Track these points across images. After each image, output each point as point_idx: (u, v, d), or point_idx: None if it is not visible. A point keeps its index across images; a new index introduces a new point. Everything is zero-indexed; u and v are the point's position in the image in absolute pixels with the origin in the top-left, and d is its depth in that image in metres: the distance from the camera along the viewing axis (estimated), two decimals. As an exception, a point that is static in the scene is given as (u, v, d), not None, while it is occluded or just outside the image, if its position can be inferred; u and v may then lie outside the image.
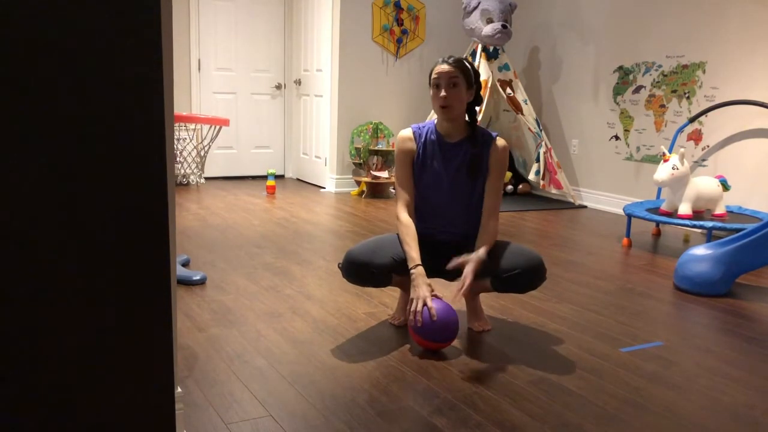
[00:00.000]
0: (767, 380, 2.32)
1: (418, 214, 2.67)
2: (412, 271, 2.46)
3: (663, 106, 5.27)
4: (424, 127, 2.66)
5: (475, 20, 5.85)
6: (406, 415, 1.99)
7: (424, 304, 2.38)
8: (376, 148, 6.23)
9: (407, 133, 2.65)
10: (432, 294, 2.42)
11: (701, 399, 2.16)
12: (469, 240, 2.62)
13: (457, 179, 2.59)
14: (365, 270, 2.49)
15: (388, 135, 6.35)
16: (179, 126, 6.42)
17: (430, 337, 2.40)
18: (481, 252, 2.47)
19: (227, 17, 6.69)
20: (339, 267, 2.59)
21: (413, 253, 2.49)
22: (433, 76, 2.55)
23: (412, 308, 2.38)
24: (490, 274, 2.54)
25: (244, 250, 3.92)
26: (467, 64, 2.58)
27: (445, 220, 2.64)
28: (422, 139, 2.63)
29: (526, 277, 2.48)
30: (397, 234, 2.61)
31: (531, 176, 6.04)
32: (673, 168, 4.11)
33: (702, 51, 4.95)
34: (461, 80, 2.53)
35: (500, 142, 2.60)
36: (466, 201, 2.62)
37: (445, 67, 2.53)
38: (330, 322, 2.77)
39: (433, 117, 6.09)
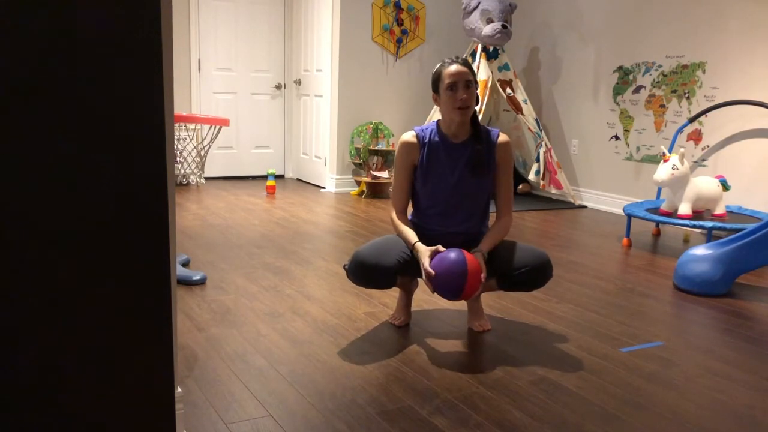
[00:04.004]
0: (767, 380, 2.33)
1: (424, 214, 2.66)
2: (413, 250, 2.52)
3: (663, 106, 5.27)
4: (426, 129, 2.65)
5: (475, 20, 5.84)
6: (406, 415, 1.99)
7: (429, 276, 2.41)
8: (376, 148, 6.23)
9: (410, 136, 2.62)
10: (434, 253, 2.44)
11: (701, 399, 2.16)
12: (476, 238, 2.63)
13: (463, 179, 2.59)
14: (373, 272, 2.48)
15: (388, 135, 6.35)
16: (179, 126, 6.42)
17: (447, 295, 2.41)
18: (483, 250, 2.50)
19: (227, 17, 6.69)
20: (344, 268, 2.58)
21: (409, 235, 2.55)
22: (448, 79, 2.50)
23: (424, 278, 2.45)
24: (496, 274, 2.54)
25: (244, 250, 3.92)
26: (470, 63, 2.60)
27: (452, 220, 2.64)
28: (426, 141, 2.61)
29: (534, 274, 2.48)
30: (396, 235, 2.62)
31: (531, 176, 6.04)
32: (673, 168, 4.11)
33: (702, 51, 4.95)
34: (473, 80, 2.53)
35: (503, 138, 2.61)
36: (473, 200, 2.62)
37: (461, 68, 2.51)
38: (330, 322, 2.77)
39: (434, 119, 6.09)
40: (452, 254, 2.39)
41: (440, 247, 2.44)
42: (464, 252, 2.40)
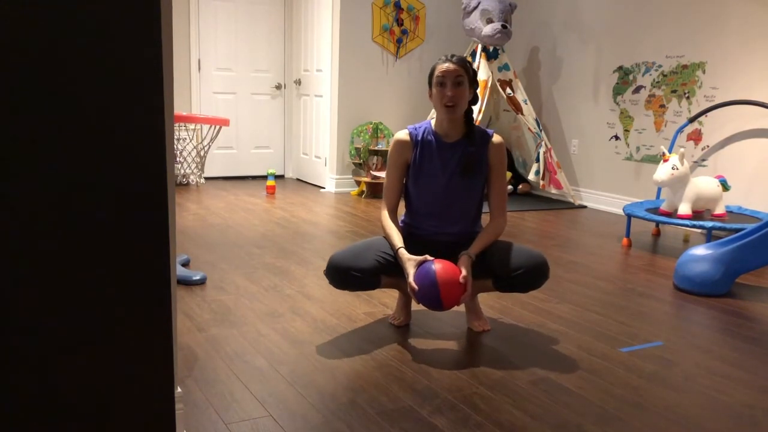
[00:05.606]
0: (767, 380, 2.33)
1: (416, 215, 2.67)
2: (396, 256, 2.52)
3: (663, 106, 5.27)
4: (420, 127, 2.65)
5: (475, 20, 5.85)
6: (406, 415, 1.99)
7: (413, 290, 2.42)
8: (375, 148, 6.23)
9: (403, 135, 2.63)
10: (417, 264, 2.44)
11: (701, 399, 2.16)
12: (468, 239, 2.62)
13: (454, 179, 2.59)
14: (347, 274, 2.49)
15: (388, 135, 6.35)
16: (179, 126, 6.41)
17: (429, 306, 2.44)
18: (470, 253, 2.49)
19: (227, 17, 6.69)
20: (324, 274, 2.58)
21: (394, 239, 2.55)
22: (437, 74, 2.52)
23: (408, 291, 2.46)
24: (492, 275, 2.54)
25: (244, 250, 3.92)
26: (468, 62, 2.58)
27: (444, 221, 2.64)
28: (419, 140, 2.61)
29: (530, 276, 2.48)
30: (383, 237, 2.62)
31: (531, 176, 6.04)
32: (672, 168, 4.11)
33: (702, 51, 4.95)
34: (465, 79, 2.52)
35: (497, 139, 2.60)
36: (464, 200, 2.62)
37: (450, 66, 2.51)
38: (330, 322, 2.77)
39: (432, 116, 6.09)
40: (426, 266, 2.41)
41: (427, 257, 2.44)
42: (437, 263, 2.40)
